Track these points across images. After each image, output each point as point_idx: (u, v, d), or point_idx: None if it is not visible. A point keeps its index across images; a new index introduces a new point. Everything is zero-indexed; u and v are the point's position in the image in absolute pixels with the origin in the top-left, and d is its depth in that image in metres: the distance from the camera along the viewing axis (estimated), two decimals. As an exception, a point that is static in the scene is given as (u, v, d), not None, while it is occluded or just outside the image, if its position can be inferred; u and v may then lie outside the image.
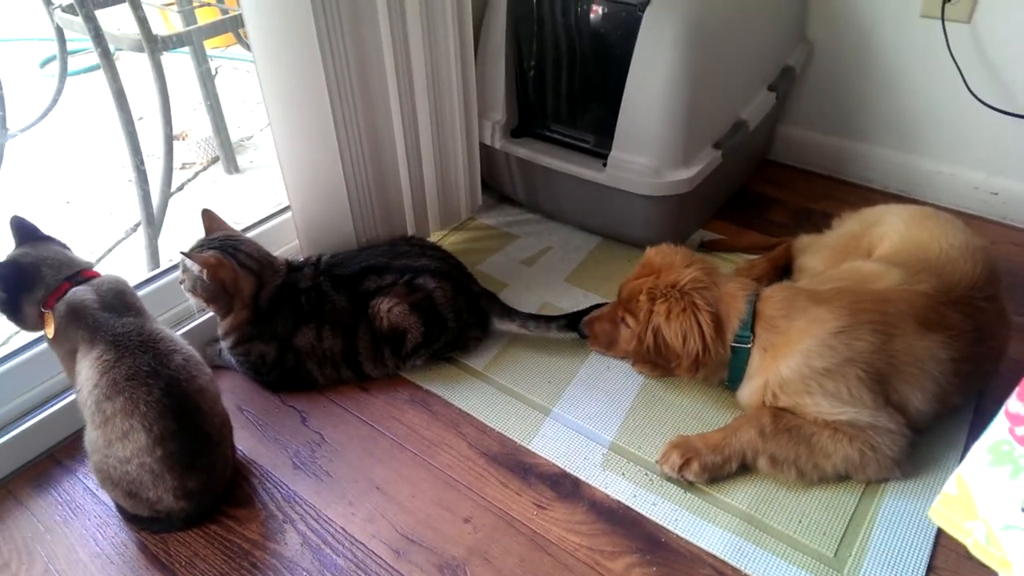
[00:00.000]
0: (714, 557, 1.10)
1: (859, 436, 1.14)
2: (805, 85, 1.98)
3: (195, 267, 1.27)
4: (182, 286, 1.33)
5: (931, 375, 1.15)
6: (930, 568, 1.07)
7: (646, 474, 1.22)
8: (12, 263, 1.15)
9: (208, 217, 1.40)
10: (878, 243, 1.38)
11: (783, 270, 1.59)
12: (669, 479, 1.20)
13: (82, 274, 1.17)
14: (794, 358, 1.16)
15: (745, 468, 1.20)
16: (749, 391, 1.24)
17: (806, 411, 1.17)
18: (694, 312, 1.23)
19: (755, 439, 1.17)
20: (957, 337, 1.16)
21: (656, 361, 1.32)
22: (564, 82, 1.69)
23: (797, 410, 1.18)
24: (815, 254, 1.49)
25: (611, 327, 1.38)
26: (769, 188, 1.99)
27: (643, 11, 1.47)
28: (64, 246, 1.22)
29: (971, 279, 1.21)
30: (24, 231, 1.20)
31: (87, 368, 1.07)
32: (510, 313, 1.49)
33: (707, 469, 1.18)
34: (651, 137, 1.54)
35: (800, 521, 1.13)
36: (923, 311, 1.16)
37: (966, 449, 1.15)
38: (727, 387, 1.32)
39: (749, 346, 1.22)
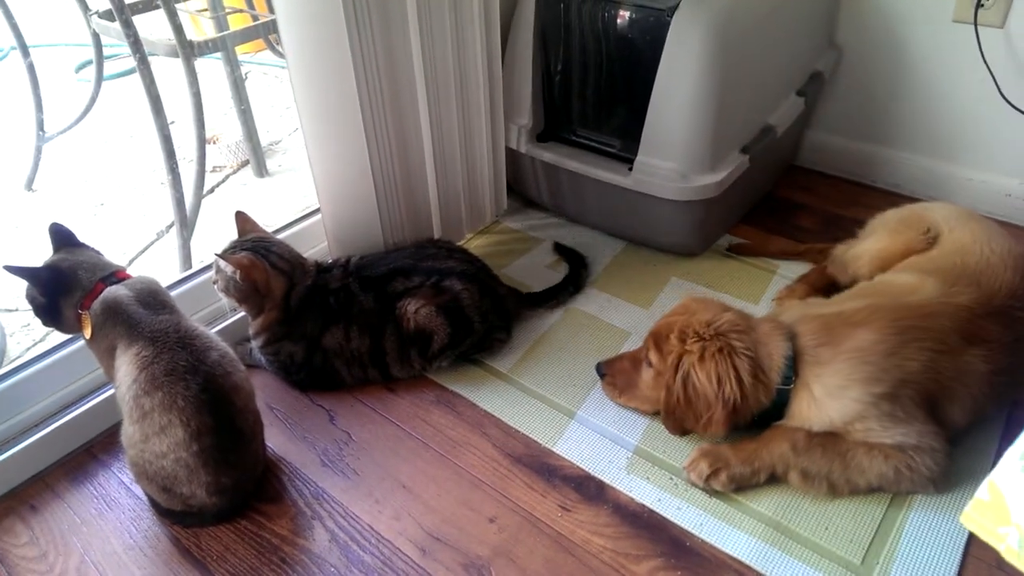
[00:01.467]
0: (739, 562, 1.09)
1: (896, 455, 1.12)
2: (834, 90, 1.97)
3: (229, 268, 1.30)
4: (215, 286, 1.36)
5: (969, 389, 1.13)
6: (959, 577, 1.06)
7: (671, 478, 1.22)
8: (50, 268, 1.18)
9: (242, 219, 1.43)
10: (935, 228, 1.34)
11: (824, 291, 1.54)
12: (695, 486, 1.20)
13: (115, 275, 1.20)
14: (855, 388, 1.11)
15: (774, 479, 1.18)
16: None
17: (854, 436, 1.13)
18: (731, 355, 1.14)
19: (787, 453, 1.15)
20: (996, 349, 1.13)
21: (685, 415, 1.20)
22: (590, 87, 1.70)
23: (843, 433, 1.14)
24: (872, 234, 1.44)
25: (631, 367, 1.29)
26: (797, 194, 1.98)
27: (671, 16, 1.47)
28: (97, 252, 1.25)
29: (1011, 288, 1.18)
30: (61, 237, 1.23)
31: (126, 364, 1.10)
32: (535, 300, 1.57)
33: (735, 480, 1.17)
34: (678, 142, 1.54)
35: (827, 528, 1.13)
36: (964, 324, 1.13)
37: (997, 458, 1.14)
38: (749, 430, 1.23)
39: (791, 387, 1.16)
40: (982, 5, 1.64)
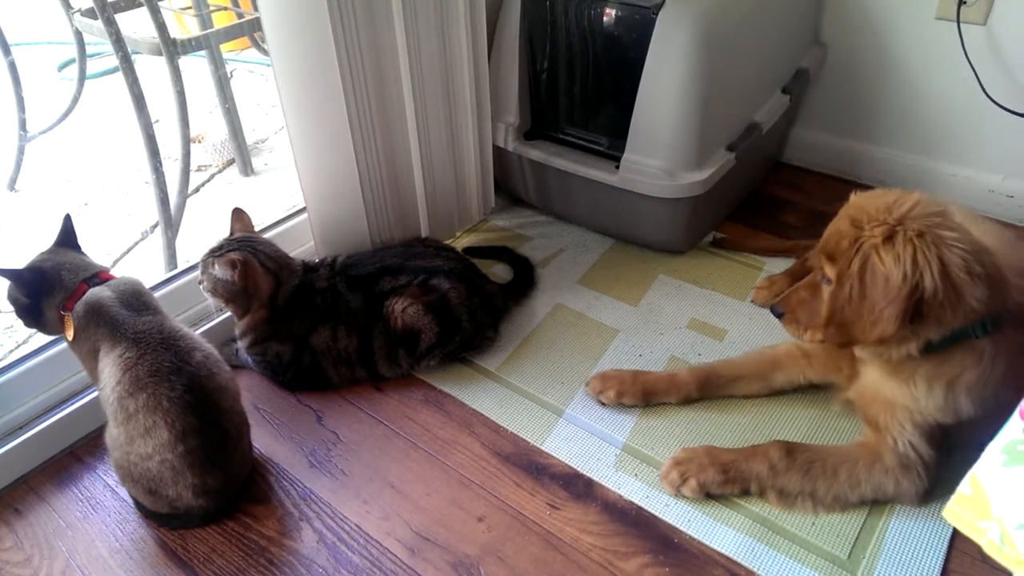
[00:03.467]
0: (727, 558, 1.10)
1: (898, 463, 1.10)
2: (819, 88, 1.98)
3: (227, 273, 1.29)
4: (201, 287, 1.35)
5: None
6: (944, 571, 1.07)
7: (659, 475, 1.23)
8: (34, 269, 1.17)
9: (237, 216, 1.42)
10: None
11: None
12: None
13: (98, 276, 1.19)
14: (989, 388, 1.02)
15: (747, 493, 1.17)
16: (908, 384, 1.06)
17: (891, 427, 1.09)
18: (936, 245, 0.91)
19: (764, 473, 1.14)
20: None
21: (855, 316, 0.98)
22: (577, 85, 1.70)
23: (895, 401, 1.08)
24: None
25: (810, 295, 1.09)
26: (782, 190, 1.99)
27: (656, 14, 1.47)
28: (83, 254, 1.25)
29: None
30: (67, 232, 1.24)
31: (110, 366, 1.09)
32: (518, 292, 1.60)
33: (704, 487, 1.16)
34: (664, 139, 1.55)
35: (813, 523, 1.14)
36: None
37: (981, 450, 1.15)
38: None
39: (979, 336, 0.98)
40: (964, 3, 1.65)
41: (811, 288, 1.10)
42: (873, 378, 1.15)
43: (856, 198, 1.05)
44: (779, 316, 1.15)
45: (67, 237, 1.24)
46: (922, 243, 0.92)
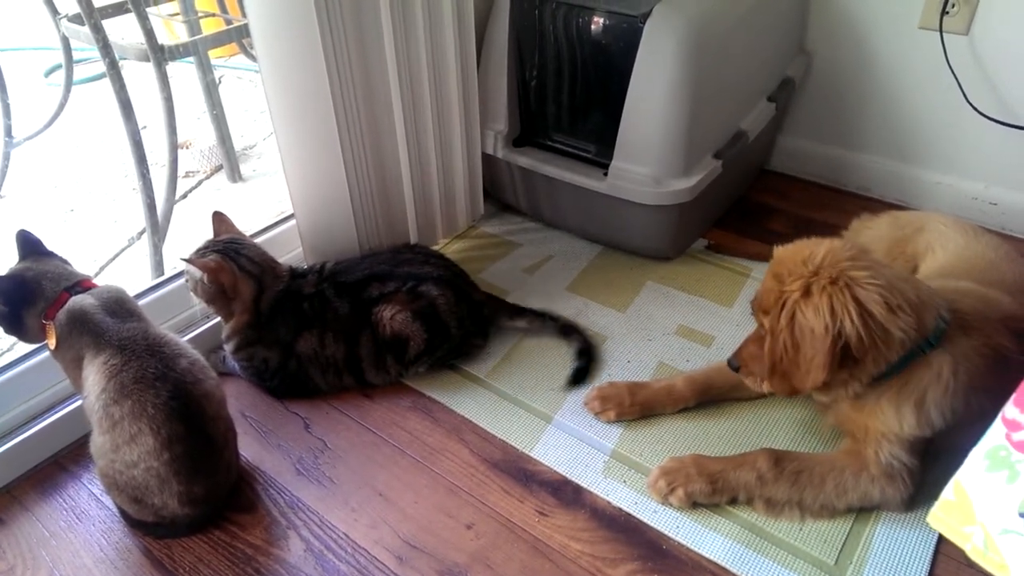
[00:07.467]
0: (716, 564, 1.10)
1: (883, 473, 1.11)
2: (804, 96, 2.00)
3: (196, 271, 1.29)
4: (187, 284, 1.35)
5: None
6: None
7: (646, 484, 1.23)
8: (13, 277, 1.16)
9: (218, 219, 1.41)
10: (924, 250, 1.33)
11: None
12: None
13: (80, 284, 1.18)
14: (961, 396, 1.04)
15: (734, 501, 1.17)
16: (877, 409, 1.08)
17: (870, 445, 1.10)
18: (849, 288, 0.96)
19: (752, 483, 1.14)
20: None
21: (791, 367, 1.03)
22: (565, 92, 1.71)
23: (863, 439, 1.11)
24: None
25: (758, 347, 1.11)
26: (769, 197, 2.00)
27: (644, 22, 1.48)
28: (65, 261, 1.23)
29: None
30: (29, 245, 1.21)
31: (94, 373, 1.08)
32: (519, 311, 1.54)
33: (692, 496, 1.16)
34: (652, 147, 1.56)
35: (801, 529, 1.14)
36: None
37: (964, 456, 1.16)
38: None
39: (927, 352, 1.02)
40: (947, 12, 1.67)
41: (759, 342, 1.13)
42: (844, 409, 1.16)
43: (778, 252, 1.09)
44: (736, 370, 1.18)
45: (31, 249, 1.20)
46: (835, 290, 0.97)
